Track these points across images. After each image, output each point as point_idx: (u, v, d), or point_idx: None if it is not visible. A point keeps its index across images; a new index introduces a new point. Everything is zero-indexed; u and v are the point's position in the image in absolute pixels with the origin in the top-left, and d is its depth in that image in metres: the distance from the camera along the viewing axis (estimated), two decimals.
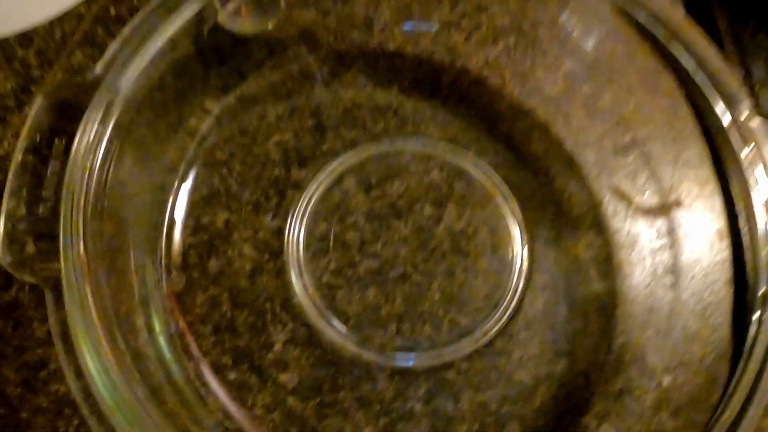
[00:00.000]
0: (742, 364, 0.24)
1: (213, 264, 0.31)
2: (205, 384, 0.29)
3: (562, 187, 0.34)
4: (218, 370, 0.29)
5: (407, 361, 0.30)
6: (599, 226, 0.33)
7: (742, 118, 0.25)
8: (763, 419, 0.24)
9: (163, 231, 0.30)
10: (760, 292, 0.24)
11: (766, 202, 0.25)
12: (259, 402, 0.29)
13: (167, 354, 0.28)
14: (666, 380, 0.28)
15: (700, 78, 0.29)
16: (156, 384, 0.26)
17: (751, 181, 0.26)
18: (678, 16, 0.28)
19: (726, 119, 0.26)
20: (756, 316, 0.24)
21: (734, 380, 0.24)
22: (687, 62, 0.29)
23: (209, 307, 0.30)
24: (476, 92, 0.35)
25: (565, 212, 0.33)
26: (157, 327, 0.28)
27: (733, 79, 0.26)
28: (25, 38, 0.34)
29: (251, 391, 0.29)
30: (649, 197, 0.33)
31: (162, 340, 0.28)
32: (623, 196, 0.34)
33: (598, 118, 0.35)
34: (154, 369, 0.27)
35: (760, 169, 0.25)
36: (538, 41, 0.35)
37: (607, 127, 0.34)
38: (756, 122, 0.25)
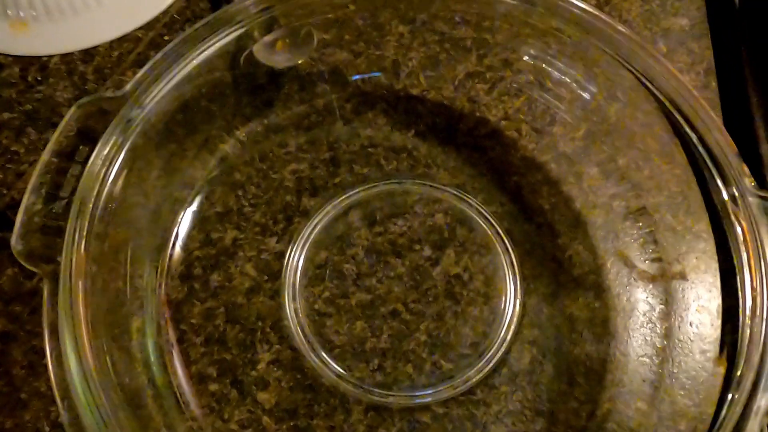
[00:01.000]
0: None
1: (215, 278, 0.33)
2: (185, 392, 0.30)
3: (566, 245, 0.34)
4: (201, 380, 0.31)
5: (385, 397, 0.30)
6: (599, 288, 0.33)
7: (739, 194, 0.25)
8: None
9: (170, 241, 0.32)
10: (738, 372, 0.23)
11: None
12: (235, 417, 0.30)
13: (153, 357, 0.29)
14: None
15: (703, 152, 0.28)
16: (138, 386, 0.28)
17: (744, 260, 0.25)
18: (686, 93, 0.28)
19: (725, 195, 0.26)
20: (729, 396, 0.23)
21: None
22: (692, 135, 0.29)
23: (204, 319, 0.32)
24: (491, 142, 0.36)
25: (566, 270, 0.33)
26: (149, 331, 0.29)
27: (734, 157, 0.26)
28: (87, 55, 0.37)
29: (230, 404, 0.30)
30: (652, 266, 0.32)
31: (151, 345, 0.29)
32: (627, 262, 0.33)
33: (611, 180, 0.35)
34: (140, 371, 0.29)
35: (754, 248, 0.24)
36: (560, 99, 0.36)
37: (619, 190, 0.34)
38: (755, 200, 0.25)
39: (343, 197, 0.35)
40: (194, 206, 0.33)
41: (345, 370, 0.31)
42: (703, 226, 0.31)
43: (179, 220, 0.33)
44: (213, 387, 0.31)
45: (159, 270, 0.31)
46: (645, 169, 0.34)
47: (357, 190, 0.35)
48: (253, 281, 0.32)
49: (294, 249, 0.33)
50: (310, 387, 0.30)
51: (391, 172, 0.35)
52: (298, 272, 0.33)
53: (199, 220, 0.33)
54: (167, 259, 0.32)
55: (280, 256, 0.33)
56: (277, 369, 0.31)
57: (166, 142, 0.32)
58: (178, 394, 0.30)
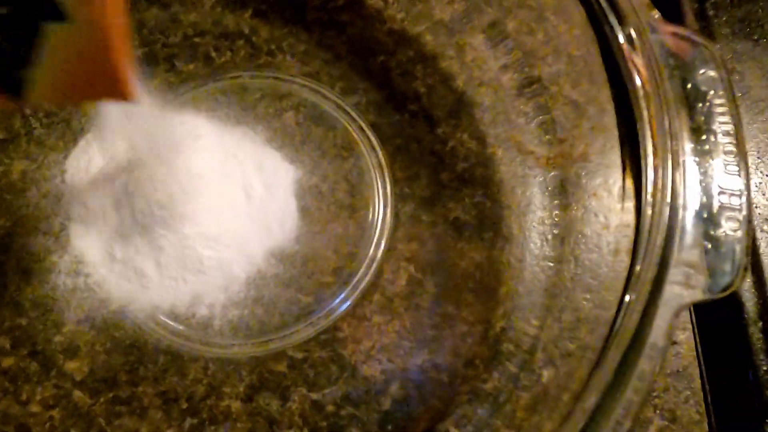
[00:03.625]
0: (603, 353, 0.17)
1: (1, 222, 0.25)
2: None
3: (447, 135, 0.27)
4: None
5: (227, 348, 0.24)
6: (489, 183, 0.26)
7: (636, 33, 0.18)
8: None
9: None
10: (637, 267, 0.18)
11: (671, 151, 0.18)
12: (37, 395, 0.23)
13: None
14: (546, 374, 0.22)
15: None
16: None
17: (645, 117, 0.19)
18: None
19: (621, 37, 0.19)
20: (627, 297, 0.18)
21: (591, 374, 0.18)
22: None
23: None
24: (349, 16, 0.28)
25: (447, 166, 0.27)
26: None
27: None
28: None
29: (29, 381, 0.24)
30: (551, 149, 0.26)
31: None
32: (521, 148, 0.27)
33: (499, 49, 0.28)
34: None
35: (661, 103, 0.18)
36: None
37: (509, 60, 0.27)
38: (657, 38, 0.18)
39: (165, 104, 0.27)
40: None
41: (173, 321, 0.24)
42: (608, 95, 0.25)
43: None
44: (6, 362, 0.24)
45: None
46: (539, 32, 0.27)
47: (181, 92, 0.27)
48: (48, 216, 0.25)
49: None
50: (131, 347, 0.24)
51: (225, 65, 0.28)
52: None
53: None
54: None
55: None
56: (88, 330, 0.24)
57: None
58: None
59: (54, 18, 0.13)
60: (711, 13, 0.30)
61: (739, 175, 0.17)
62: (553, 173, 0.26)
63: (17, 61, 0.13)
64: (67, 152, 0.25)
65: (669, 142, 0.18)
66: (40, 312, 0.24)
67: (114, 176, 0.24)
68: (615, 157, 0.23)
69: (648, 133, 0.18)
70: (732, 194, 0.17)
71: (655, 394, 0.24)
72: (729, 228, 0.16)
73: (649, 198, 0.18)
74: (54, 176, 0.25)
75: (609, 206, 0.24)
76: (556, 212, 0.25)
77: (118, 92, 0.15)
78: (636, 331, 0.17)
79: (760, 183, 0.27)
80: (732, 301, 0.25)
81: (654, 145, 0.18)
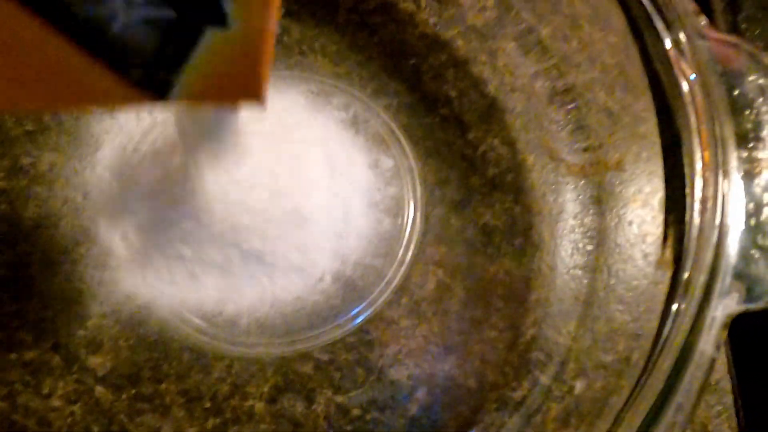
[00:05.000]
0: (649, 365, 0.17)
1: (27, 214, 0.25)
2: None
3: (478, 140, 0.27)
4: (13, 348, 0.23)
5: (253, 347, 0.24)
6: (519, 189, 0.26)
7: (687, 38, 0.18)
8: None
9: None
10: (685, 276, 0.17)
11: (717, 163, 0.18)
12: (58, 390, 0.23)
13: None
14: (579, 386, 0.22)
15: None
16: None
17: (693, 125, 0.18)
18: None
19: (668, 43, 0.19)
20: (674, 307, 0.17)
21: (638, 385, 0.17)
22: None
23: (10, 270, 0.24)
24: (382, 18, 0.28)
25: (478, 171, 0.26)
26: None
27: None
28: None
29: (51, 375, 0.23)
30: (583, 157, 0.26)
31: None
32: (553, 154, 0.27)
33: (532, 56, 0.28)
34: None
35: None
36: None
37: (542, 67, 0.27)
38: (705, 44, 0.18)
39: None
40: None
41: (199, 318, 0.24)
42: (645, 102, 0.25)
43: None
44: (29, 355, 0.23)
45: None
46: (573, 39, 0.27)
47: None
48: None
49: None
50: (156, 344, 0.24)
51: None
52: None
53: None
54: None
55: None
56: (113, 325, 0.24)
57: None
58: None
59: (217, 24, 0.13)
60: (744, 26, 0.30)
61: None
62: (585, 181, 0.26)
63: (172, 63, 0.13)
64: (99, 146, 0.25)
65: (718, 150, 0.17)
66: (65, 305, 0.24)
67: (146, 169, 0.24)
68: (654, 166, 0.23)
69: (696, 141, 0.18)
70: None
71: None
72: None
73: (697, 206, 0.18)
74: (84, 168, 0.25)
75: (645, 216, 0.23)
76: (589, 221, 0.25)
77: (254, 95, 0.14)
78: (685, 344, 0.17)
79: None
80: (766, 317, 0.24)
81: (702, 153, 0.18)
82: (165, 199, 0.23)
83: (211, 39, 0.13)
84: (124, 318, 0.24)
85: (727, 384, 0.24)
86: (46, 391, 0.23)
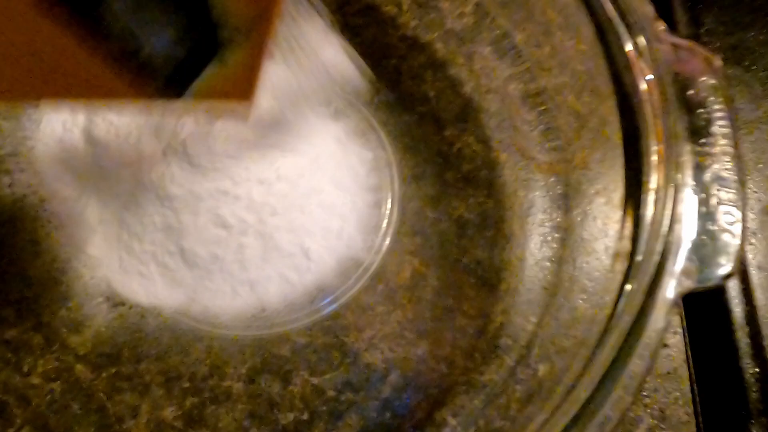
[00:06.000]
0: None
1: (5, 179, 0.25)
2: None
3: (453, 137, 0.28)
4: None
5: (231, 329, 0.24)
6: (492, 185, 0.27)
7: (647, 42, 0.20)
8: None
9: None
10: (639, 259, 0.19)
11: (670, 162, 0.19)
12: (38, 367, 0.23)
13: None
14: (542, 369, 0.23)
15: (609, 8, 0.23)
16: None
17: (650, 120, 0.20)
18: None
19: (630, 46, 0.21)
20: (628, 288, 0.18)
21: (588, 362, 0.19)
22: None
23: None
24: (364, 20, 0.30)
25: (453, 167, 0.28)
26: None
27: (642, 2, 0.20)
28: None
29: (32, 353, 0.24)
30: (552, 156, 0.27)
31: None
32: (524, 153, 0.28)
33: (506, 60, 0.29)
34: None
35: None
36: None
37: (515, 71, 0.29)
38: (665, 48, 0.19)
39: None
40: None
41: (177, 305, 0.24)
42: (610, 107, 0.26)
43: None
44: (9, 333, 0.24)
45: None
46: (545, 45, 0.28)
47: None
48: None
49: None
50: (135, 325, 0.24)
51: None
52: None
53: None
54: None
55: None
56: (94, 305, 0.24)
57: None
58: None
59: (216, 59, 0.16)
60: (705, 39, 0.32)
61: (736, 173, 0.18)
62: (554, 178, 0.27)
63: (194, 67, 0.15)
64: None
65: (671, 144, 0.19)
66: (48, 285, 0.25)
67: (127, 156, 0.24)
68: (617, 165, 0.24)
69: (652, 136, 0.20)
70: (729, 191, 0.18)
71: (645, 393, 0.25)
72: (725, 221, 0.18)
73: (652, 195, 0.19)
74: (69, 147, 0.26)
75: (608, 212, 0.25)
76: (557, 216, 0.26)
77: (246, 98, 0.16)
78: (635, 320, 0.18)
79: (748, 198, 0.28)
80: (720, 307, 0.26)
81: (657, 147, 0.19)
82: (136, 185, 0.24)
83: (214, 64, 0.16)
84: (105, 299, 0.24)
85: (684, 372, 0.25)
86: (25, 369, 0.23)
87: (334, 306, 0.25)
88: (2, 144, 0.26)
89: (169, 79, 0.15)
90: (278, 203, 0.24)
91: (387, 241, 0.26)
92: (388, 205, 0.27)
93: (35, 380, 0.23)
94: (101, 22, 0.13)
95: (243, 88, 0.17)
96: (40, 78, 0.14)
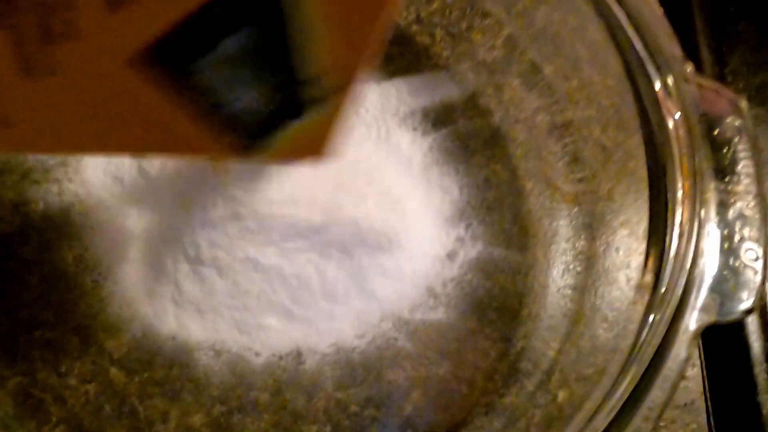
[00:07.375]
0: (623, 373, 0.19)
1: (54, 188, 0.27)
2: (16, 340, 0.24)
3: (480, 165, 0.29)
4: (36, 327, 0.25)
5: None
6: (517, 212, 0.28)
7: (674, 82, 0.21)
8: None
9: None
10: (662, 291, 0.19)
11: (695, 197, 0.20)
12: (75, 369, 0.24)
13: None
14: (561, 395, 0.23)
15: (639, 47, 0.24)
16: None
17: (676, 156, 0.21)
18: None
19: (658, 84, 0.21)
20: (650, 319, 0.19)
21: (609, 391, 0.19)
22: (630, 31, 0.24)
23: (40, 251, 0.26)
24: (399, 49, 0.31)
25: (480, 193, 0.29)
26: None
27: (670, 43, 0.21)
28: None
29: (69, 355, 0.25)
30: (577, 187, 0.28)
31: None
32: (550, 182, 0.29)
33: (535, 92, 0.30)
34: None
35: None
36: (479, 1, 0.31)
37: (543, 103, 0.30)
38: (690, 89, 0.20)
39: None
40: None
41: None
42: (636, 141, 0.27)
43: None
44: (50, 335, 0.25)
45: None
46: (573, 79, 0.29)
47: None
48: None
49: None
50: (171, 331, 0.25)
51: None
52: None
53: None
54: None
55: None
56: (132, 311, 0.25)
57: None
58: (7, 343, 0.24)
59: (294, 117, 0.16)
60: (730, 79, 0.33)
61: (759, 212, 0.19)
62: (578, 208, 0.28)
63: (276, 125, 0.15)
64: None
65: (697, 181, 0.19)
66: (88, 290, 0.26)
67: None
68: (641, 198, 0.25)
69: (678, 172, 0.20)
70: (752, 229, 0.19)
71: (663, 424, 0.25)
72: (748, 258, 0.18)
73: (677, 230, 0.20)
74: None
75: (631, 244, 0.25)
76: (580, 245, 0.27)
77: (319, 155, 0.17)
78: (656, 352, 0.19)
79: None
80: (739, 342, 0.26)
81: (683, 183, 0.20)
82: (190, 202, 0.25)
83: (291, 123, 0.16)
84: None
85: (702, 404, 0.26)
86: (63, 369, 0.24)
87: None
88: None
89: (249, 136, 0.15)
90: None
91: None
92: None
93: (71, 381, 0.24)
94: (190, 81, 0.14)
95: (318, 145, 0.17)
96: (117, 132, 0.15)
